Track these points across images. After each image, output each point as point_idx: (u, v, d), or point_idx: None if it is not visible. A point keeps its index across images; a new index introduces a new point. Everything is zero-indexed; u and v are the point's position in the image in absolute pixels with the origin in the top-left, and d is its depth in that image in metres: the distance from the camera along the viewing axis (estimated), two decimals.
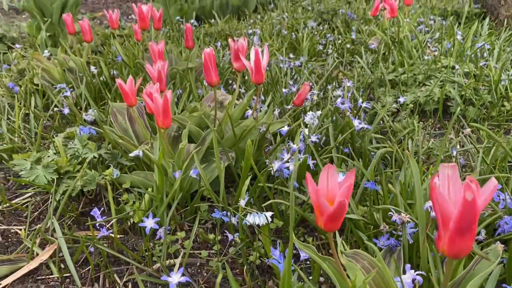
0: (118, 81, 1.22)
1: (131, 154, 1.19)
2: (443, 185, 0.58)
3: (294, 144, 1.18)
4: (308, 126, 1.37)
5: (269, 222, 1.00)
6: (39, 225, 1.25)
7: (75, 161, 1.29)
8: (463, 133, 1.54)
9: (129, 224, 1.22)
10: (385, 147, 1.53)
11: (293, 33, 3.04)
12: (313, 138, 1.25)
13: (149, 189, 1.21)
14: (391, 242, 0.90)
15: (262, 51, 1.28)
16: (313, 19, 3.41)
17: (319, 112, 1.40)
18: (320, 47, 2.82)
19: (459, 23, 2.97)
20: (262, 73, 1.29)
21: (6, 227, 1.25)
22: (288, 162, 1.14)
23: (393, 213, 0.90)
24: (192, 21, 3.47)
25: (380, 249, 0.92)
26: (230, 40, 1.43)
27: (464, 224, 0.54)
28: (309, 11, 3.86)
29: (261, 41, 2.98)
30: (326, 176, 0.65)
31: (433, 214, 0.85)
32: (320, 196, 0.60)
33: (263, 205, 1.04)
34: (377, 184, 1.07)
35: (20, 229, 1.23)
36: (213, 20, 3.72)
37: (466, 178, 0.51)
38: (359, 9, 4.01)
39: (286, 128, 1.28)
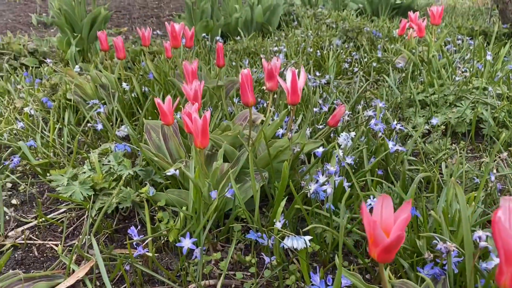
0: (157, 100, 1.24)
1: (168, 173, 1.19)
2: (506, 219, 0.57)
3: (330, 165, 1.17)
4: (341, 147, 1.36)
5: (308, 246, 0.99)
6: (75, 242, 1.26)
7: (111, 178, 1.31)
8: (499, 157, 1.51)
9: (162, 242, 1.22)
10: (418, 169, 1.51)
11: (317, 51, 3.05)
12: (349, 160, 1.24)
13: (184, 208, 1.21)
14: (435, 271, 0.88)
15: (299, 72, 1.28)
16: (338, 37, 3.42)
17: (352, 133, 1.39)
18: (346, 65, 2.82)
19: (488, 43, 2.94)
20: (298, 94, 1.29)
21: (41, 242, 1.27)
22: (324, 184, 1.13)
23: (438, 241, 0.88)
24: (217, 38, 3.51)
25: (423, 279, 0.89)
26: (263, 60, 1.44)
27: None
28: (333, 29, 3.88)
29: (287, 58, 3.00)
30: (381, 206, 0.64)
31: (481, 244, 0.82)
32: (377, 227, 0.59)
33: (304, 229, 1.03)
34: (416, 210, 1.05)
35: (56, 245, 1.25)
36: (238, 37, 3.76)
37: None
38: (383, 27, 4.01)
39: (321, 150, 1.28)
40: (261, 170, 1.28)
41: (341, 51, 3.06)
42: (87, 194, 1.26)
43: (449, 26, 3.72)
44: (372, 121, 1.44)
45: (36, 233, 1.31)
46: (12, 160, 1.56)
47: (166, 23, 1.86)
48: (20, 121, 1.86)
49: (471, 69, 2.24)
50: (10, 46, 3.05)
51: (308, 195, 1.13)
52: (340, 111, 1.35)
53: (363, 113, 1.74)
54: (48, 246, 1.25)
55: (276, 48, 3.16)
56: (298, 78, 1.29)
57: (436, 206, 1.05)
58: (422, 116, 1.98)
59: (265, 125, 1.38)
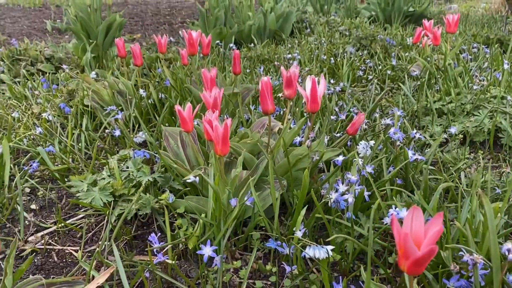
0: (178, 108, 1.24)
1: (188, 180, 1.20)
2: None
3: (351, 174, 1.17)
4: (360, 155, 1.35)
5: (329, 256, 0.98)
6: (94, 247, 1.26)
7: (130, 184, 1.31)
8: None
9: (181, 249, 1.22)
10: (436, 178, 1.50)
11: (331, 58, 3.05)
12: (369, 169, 1.23)
13: (203, 215, 1.21)
14: (462, 284, 0.86)
15: (319, 81, 1.28)
16: (352, 45, 3.42)
17: (372, 142, 1.38)
18: (360, 73, 2.81)
19: (504, 52, 2.92)
20: (318, 102, 1.29)
21: (61, 247, 1.28)
22: (345, 194, 1.12)
23: (464, 252, 0.87)
24: (231, 45, 3.53)
25: None
26: (282, 68, 1.44)
27: None
28: (347, 36, 3.87)
29: (301, 65, 3.00)
30: (411, 218, 0.63)
31: (510, 257, 0.81)
32: (409, 240, 0.59)
33: (326, 240, 1.02)
34: None
35: (76, 250, 1.25)
36: (251, 44, 3.77)
37: None
38: (396, 35, 4.00)
39: (341, 158, 1.27)
40: (280, 178, 1.28)
41: (355, 58, 3.06)
42: (107, 200, 1.26)
43: (463, 34, 3.70)
44: (391, 130, 1.43)
45: (56, 238, 1.31)
46: (31, 165, 1.57)
47: (182, 31, 1.88)
48: (38, 127, 1.88)
49: (489, 78, 2.22)
50: (27, 52, 3.09)
51: (329, 204, 1.12)
52: (360, 119, 1.34)
53: (380, 121, 1.73)
54: (67, 251, 1.26)
55: (289, 55, 3.16)
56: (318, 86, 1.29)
57: (459, 216, 1.04)
58: (439, 125, 1.97)
59: (283, 132, 1.38)
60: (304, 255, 1.00)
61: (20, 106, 2.30)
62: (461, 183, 1.47)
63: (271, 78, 2.54)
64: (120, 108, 1.93)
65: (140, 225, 1.34)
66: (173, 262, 1.10)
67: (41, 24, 6.15)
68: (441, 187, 1.10)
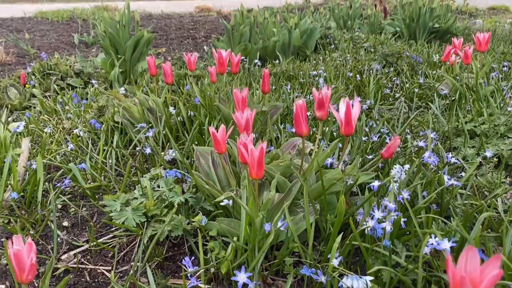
0: (211, 129, 1.25)
1: (222, 203, 1.19)
2: None
3: (388, 201, 1.14)
4: (395, 179, 1.33)
5: (368, 286, 0.95)
6: (126, 267, 1.26)
7: (162, 204, 1.31)
8: None
9: (213, 272, 1.21)
10: (472, 204, 1.45)
11: (357, 75, 3.03)
12: (405, 195, 1.20)
13: (235, 238, 1.20)
14: None
15: (353, 105, 1.26)
16: (377, 62, 3.39)
17: (406, 166, 1.35)
18: (387, 91, 2.78)
19: None
20: (352, 125, 1.27)
21: (93, 266, 1.28)
22: (382, 221, 1.10)
23: None
24: (256, 61, 3.55)
25: None
26: (313, 90, 1.43)
27: None
28: (372, 53, 3.85)
29: (326, 82, 2.99)
30: (466, 258, 0.61)
31: None
32: (467, 283, 0.57)
33: (368, 272, 1.00)
34: (484, 253, 1.01)
35: (108, 270, 1.25)
36: (276, 60, 3.79)
37: None
38: (422, 52, 3.96)
39: (377, 184, 1.25)
40: (313, 202, 1.26)
41: (381, 76, 3.03)
42: (140, 220, 1.27)
43: (492, 51, 3.64)
44: (426, 154, 1.40)
45: (88, 257, 1.32)
46: (64, 182, 1.60)
47: (212, 49, 1.89)
48: (69, 142, 1.91)
49: None
50: (58, 66, 3.17)
51: (366, 231, 1.10)
52: (395, 143, 1.32)
53: (412, 143, 1.70)
54: (99, 271, 1.26)
55: (315, 72, 3.16)
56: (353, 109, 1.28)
57: (504, 249, 1.00)
58: (472, 147, 1.92)
59: (316, 155, 1.36)
60: (342, 285, 0.98)
61: (51, 121, 2.34)
62: (498, 210, 1.43)
63: (297, 96, 2.53)
64: (150, 125, 1.95)
65: (171, 246, 1.34)
66: (206, 286, 1.09)
67: (69, 37, 6.30)
68: (482, 217, 1.07)
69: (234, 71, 1.98)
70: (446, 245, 0.98)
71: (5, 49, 5.03)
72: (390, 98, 2.76)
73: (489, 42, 2.80)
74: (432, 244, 1.02)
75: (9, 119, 2.54)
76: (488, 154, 1.63)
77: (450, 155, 1.46)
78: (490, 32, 2.58)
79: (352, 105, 1.25)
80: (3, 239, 1.41)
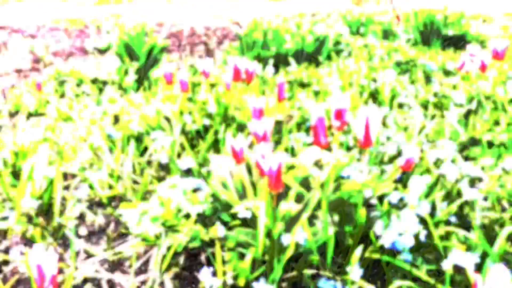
0: (229, 140, 1.25)
1: (239, 215, 1.19)
2: None
3: (409, 214, 1.13)
4: (414, 192, 1.31)
5: None
6: (143, 277, 1.26)
7: (179, 214, 1.31)
8: None
9: (230, 284, 1.20)
10: (491, 216, 1.43)
11: (371, 83, 3.01)
12: (426, 208, 1.19)
13: (253, 249, 1.20)
14: None
15: (370, 117, 1.26)
16: (392, 69, 3.37)
17: (426, 178, 1.34)
18: (402, 98, 2.76)
19: None
20: (371, 138, 1.26)
21: (110, 275, 1.28)
22: (403, 234, 1.09)
23: None
24: (269, 67, 3.55)
25: None
26: (330, 99, 1.42)
27: None
28: (385, 60, 3.84)
29: (341, 90, 2.98)
30: (494, 279, 0.60)
31: None
32: None
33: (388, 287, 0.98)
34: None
35: (126, 280, 1.26)
36: (288, 67, 3.79)
37: None
38: (437, 59, 3.93)
39: (397, 196, 1.24)
40: (331, 213, 1.25)
41: (396, 83, 3.01)
42: (157, 230, 1.27)
43: (508, 59, 3.59)
44: (444, 165, 1.39)
45: (105, 266, 1.32)
46: (80, 189, 1.61)
47: (227, 57, 1.90)
48: (85, 150, 1.92)
49: None
50: (73, 73, 3.20)
51: (386, 245, 1.09)
52: (415, 156, 1.31)
53: (429, 153, 1.68)
54: (117, 281, 1.27)
55: (328, 79, 3.15)
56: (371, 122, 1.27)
57: None
58: (490, 157, 1.89)
59: (334, 166, 1.36)
60: None
61: (67, 128, 2.37)
62: None
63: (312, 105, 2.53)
64: (165, 133, 1.96)
65: (188, 256, 1.33)
66: None
67: (82, 43, 6.38)
68: (506, 230, 1.05)
69: (249, 81, 1.98)
70: (470, 261, 0.97)
71: (21, 55, 5.10)
72: (405, 107, 2.74)
73: (506, 50, 2.77)
74: (453, 259, 1.01)
75: (26, 125, 2.57)
76: (508, 165, 1.61)
77: (469, 166, 1.44)
78: (509, 41, 2.55)
79: (369, 117, 1.24)
80: (21, 245, 1.42)
